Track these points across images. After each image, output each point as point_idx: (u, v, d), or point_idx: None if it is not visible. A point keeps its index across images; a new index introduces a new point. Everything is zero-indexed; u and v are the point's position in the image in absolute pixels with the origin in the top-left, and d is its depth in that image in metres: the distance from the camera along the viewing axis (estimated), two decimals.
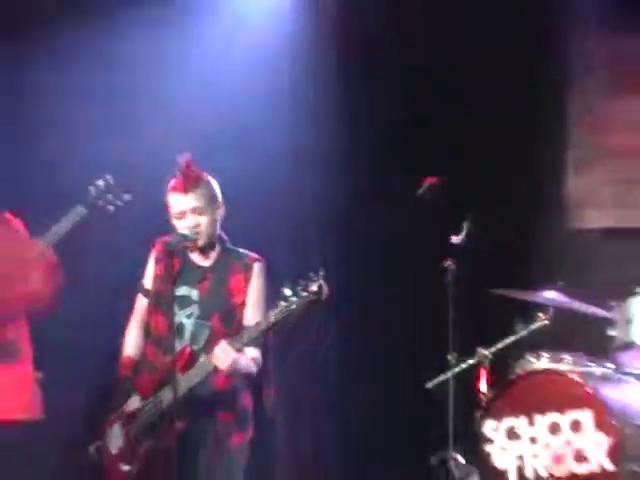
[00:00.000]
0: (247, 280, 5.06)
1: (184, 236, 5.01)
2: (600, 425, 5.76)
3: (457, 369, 6.23)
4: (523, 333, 6.25)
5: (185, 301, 5.06)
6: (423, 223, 6.00)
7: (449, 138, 6.75)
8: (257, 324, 4.87)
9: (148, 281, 5.15)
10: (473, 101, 6.87)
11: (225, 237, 5.15)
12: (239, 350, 4.83)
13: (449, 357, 6.21)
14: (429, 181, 5.79)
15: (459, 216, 6.19)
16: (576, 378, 5.93)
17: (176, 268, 5.03)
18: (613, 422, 5.75)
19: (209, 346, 4.98)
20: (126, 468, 5.00)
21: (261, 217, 5.94)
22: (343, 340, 6.57)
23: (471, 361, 6.24)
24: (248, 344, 4.86)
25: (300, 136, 6.61)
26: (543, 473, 5.87)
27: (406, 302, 6.43)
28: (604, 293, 6.28)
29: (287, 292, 4.73)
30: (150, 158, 5.67)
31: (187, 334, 5.05)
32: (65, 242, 4.92)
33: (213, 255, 5.12)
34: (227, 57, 6.60)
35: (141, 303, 5.18)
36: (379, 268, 6.65)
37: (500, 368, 6.25)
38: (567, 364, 6.07)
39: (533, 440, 5.93)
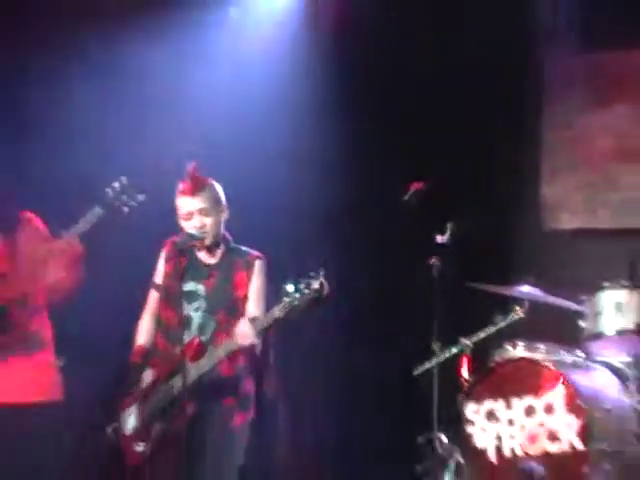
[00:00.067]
0: (249, 276, 5.08)
1: (192, 236, 5.04)
2: (571, 408, 5.73)
3: (441, 357, 6.20)
4: (501, 324, 6.22)
5: (193, 296, 5.08)
6: (411, 224, 5.99)
7: (435, 146, 6.71)
8: (265, 316, 4.88)
9: (159, 277, 5.16)
10: (458, 113, 6.81)
11: (229, 237, 5.18)
12: (258, 334, 4.86)
13: (434, 346, 6.17)
14: (415, 186, 5.78)
15: (443, 218, 6.14)
16: (549, 365, 5.89)
17: (184, 265, 5.04)
18: (583, 405, 5.71)
19: (215, 337, 5.01)
20: (140, 448, 5.02)
21: (263, 217, 5.91)
22: (339, 331, 6.55)
23: (454, 350, 6.22)
24: (260, 332, 4.87)
25: (300, 139, 6.58)
26: (519, 452, 5.84)
27: (395, 296, 6.41)
28: (575, 288, 6.25)
29: (290, 289, 4.74)
30: (161, 163, 5.66)
31: (195, 326, 5.07)
32: (84, 239, 4.91)
33: (218, 253, 5.15)
34: (232, 68, 6.58)
35: (153, 297, 5.19)
36: (371, 265, 6.64)
37: (480, 356, 6.23)
38: (541, 353, 6.02)
39: (510, 422, 5.89)
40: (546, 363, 5.93)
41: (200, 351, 4.97)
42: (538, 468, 5.75)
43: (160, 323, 5.17)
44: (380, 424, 5.87)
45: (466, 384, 6.18)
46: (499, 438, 5.92)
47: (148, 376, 5.11)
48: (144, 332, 5.21)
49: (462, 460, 6.06)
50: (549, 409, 5.81)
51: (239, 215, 5.21)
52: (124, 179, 4.95)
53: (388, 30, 6.79)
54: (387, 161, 6.65)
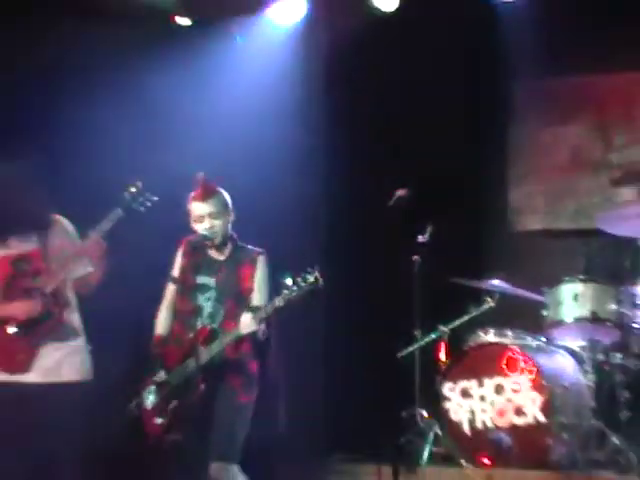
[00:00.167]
0: (253, 271, 5.06)
1: (204, 236, 5.05)
2: (535, 386, 5.78)
3: (422, 342, 6.28)
4: (474, 313, 6.28)
5: (204, 288, 5.08)
6: (395, 226, 5.97)
7: (418, 159, 6.69)
8: (267, 306, 4.88)
9: (176, 271, 5.13)
10: (437, 132, 6.81)
11: (235, 236, 5.17)
12: (259, 322, 4.86)
13: (416, 332, 6.27)
14: (399, 193, 5.79)
15: (424, 221, 6.23)
16: (516, 349, 5.92)
17: (197, 261, 5.06)
18: (545, 384, 5.76)
19: (224, 324, 5.00)
20: (159, 421, 5.01)
21: (265, 220, 5.86)
22: (332, 319, 6.53)
23: (433, 336, 6.28)
24: (261, 321, 4.88)
25: (299, 152, 6.53)
26: (490, 424, 5.88)
27: (382, 289, 6.33)
28: (538, 281, 6.27)
29: (289, 282, 4.75)
30: (175, 172, 5.65)
31: (206, 314, 5.06)
32: (107, 238, 4.86)
33: (226, 251, 5.15)
34: (237, 89, 6.51)
35: (170, 288, 5.18)
36: (361, 262, 6.59)
37: (456, 341, 6.27)
38: (509, 338, 6.06)
39: (482, 398, 5.91)
40: (513, 347, 5.94)
41: (210, 336, 4.96)
42: (506, 438, 5.77)
43: (176, 311, 5.15)
44: (368, 401, 5.81)
45: (443, 366, 6.21)
46: (472, 412, 5.94)
47: (166, 358, 5.09)
48: (162, 321, 5.19)
49: (440, 432, 6.07)
50: (516, 387, 5.82)
51: (244, 217, 5.21)
52: (139, 183, 4.90)
53: (376, 56, 6.75)
54: (375, 172, 6.59)
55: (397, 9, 6.47)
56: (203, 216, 5.08)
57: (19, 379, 4.86)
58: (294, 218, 6.42)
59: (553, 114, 7.26)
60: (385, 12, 6.50)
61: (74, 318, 5.02)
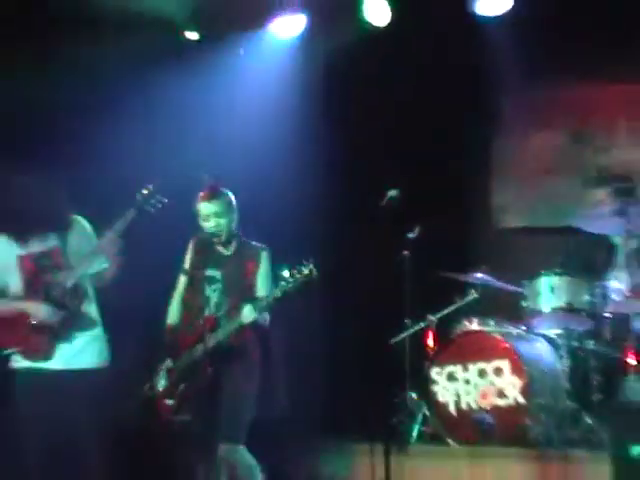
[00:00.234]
0: (257, 264, 5.12)
1: (211, 233, 5.10)
2: (515, 371, 5.75)
3: (412, 330, 6.28)
4: (460, 304, 6.29)
5: (212, 280, 5.11)
6: (386, 224, 5.95)
7: (409, 163, 6.68)
8: (266, 296, 4.92)
9: (187, 265, 5.17)
10: (428, 140, 6.80)
11: (240, 233, 5.21)
12: (260, 312, 4.91)
13: (406, 321, 6.27)
14: (391, 193, 5.78)
15: (414, 219, 6.22)
16: (498, 337, 5.92)
17: (206, 256, 5.09)
18: (524, 368, 5.75)
19: (228, 313, 5.03)
20: (169, 402, 5.06)
21: (267, 218, 5.84)
22: (329, 309, 6.53)
23: (422, 324, 6.28)
24: (262, 310, 4.93)
25: (298, 156, 6.50)
26: (474, 405, 5.88)
27: (375, 281, 6.29)
28: (518, 274, 6.25)
29: (286, 275, 4.80)
30: (185, 175, 5.64)
31: (213, 304, 5.09)
32: (124, 235, 4.88)
33: (232, 247, 5.19)
34: (242, 96, 6.52)
35: (182, 280, 5.22)
36: (355, 257, 6.48)
37: (443, 329, 6.27)
38: (492, 326, 6.07)
39: (467, 382, 5.92)
40: (495, 335, 5.96)
41: (216, 325, 4.99)
42: (489, 418, 5.77)
43: (186, 301, 5.18)
44: (362, 384, 5.81)
45: (431, 352, 6.22)
46: (457, 395, 5.95)
47: (176, 345, 5.13)
48: (174, 310, 5.24)
49: (428, 412, 6.08)
50: (498, 371, 5.83)
51: (247, 215, 5.24)
52: (151, 186, 4.91)
53: (370, 67, 6.73)
54: (369, 174, 6.56)
55: (389, 24, 6.47)
56: (210, 215, 5.12)
57: (42, 366, 4.88)
58: (293, 216, 6.40)
59: (534, 123, 7.27)
60: (377, 27, 6.51)
61: (92, 309, 5.04)
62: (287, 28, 6.67)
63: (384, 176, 6.18)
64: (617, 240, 6.09)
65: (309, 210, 6.57)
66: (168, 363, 5.11)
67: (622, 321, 5.83)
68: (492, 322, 6.10)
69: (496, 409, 5.79)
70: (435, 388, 6.02)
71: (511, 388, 5.77)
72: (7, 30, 5.74)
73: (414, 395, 6.14)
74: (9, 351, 4.91)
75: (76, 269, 4.93)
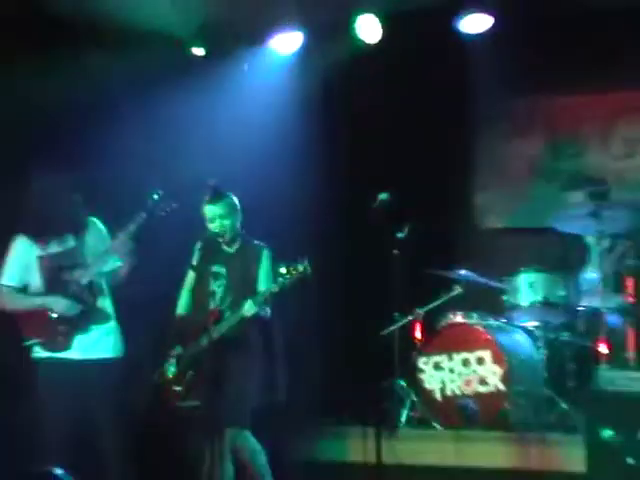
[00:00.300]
0: (258, 261, 5.12)
1: (217, 234, 5.11)
2: (496, 360, 5.76)
3: (401, 323, 6.25)
4: (445, 298, 6.27)
5: (217, 276, 5.12)
6: (378, 224, 5.91)
7: (399, 168, 6.64)
8: (265, 291, 4.94)
9: (194, 262, 5.15)
10: (416, 148, 6.79)
11: (244, 233, 5.22)
12: (259, 306, 4.92)
13: (395, 315, 6.24)
14: (382, 196, 5.77)
15: (403, 220, 6.17)
16: (480, 328, 5.92)
17: (212, 253, 5.11)
18: (504, 358, 5.74)
19: (232, 306, 5.02)
20: (177, 388, 5.06)
21: (267, 219, 5.78)
22: (324, 303, 6.47)
23: (410, 317, 6.26)
24: (262, 303, 4.94)
25: (298, 163, 6.47)
26: (458, 392, 5.88)
27: (367, 278, 6.32)
28: (499, 271, 6.28)
29: (283, 271, 4.82)
30: (192, 181, 5.64)
31: (218, 298, 5.10)
32: (135, 237, 4.93)
33: (235, 245, 5.19)
34: (245, 107, 6.47)
35: (190, 276, 5.21)
36: (348, 255, 6.55)
37: (430, 322, 6.27)
38: (475, 319, 6.06)
39: (451, 370, 5.91)
40: (478, 327, 5.97)
41: (221, 317, 4.99)
42: (472, 404, 5.77)
43: (194, 295, 5.19)
44: (355, 373, 5.78)
45: (419, 343, 6.20)
46: (443, 382, 5.95)
47: (184, 334, 5.13)
48: (183, 303, 5.23)
49: (416, 399, 6.07)
50: (480, 361, 5.84)
51: (249, 216, 5.25)
52: (161, 192, 4.94)
53: (362, 80, 6.72)
54: (362, 178, 6.54)
55: (379, 41, 6.50)
56: (214, 217, 5.12)
57: (61, 355, 4.93)
58: (291, 217, 6.38)
59: (512, 130, 7.27)
60: (369, 43, 6.53)
61: (107, 304, 5.09)
62: (286, 45, 6.66)
63: (375, 181, 6.19)
64: (590, 240, 6.12)
65: (306, 212, 6.55)
66: (177, 349, 5.11)
67: (594, 314, 5.87)
68: (475, 315, 6.10)
69: (479, 395, 5.79)
70: (422, 376, 6.03)
71: (492, 376, 5.78)
72: (23, 46, 5.74)
73: (403, 383, 6.15)
74: (31, 342, 4.96)
75: (92, 267, 4.98)
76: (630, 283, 5.72)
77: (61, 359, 4.93)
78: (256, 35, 6.61)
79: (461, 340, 5.95)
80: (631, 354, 5.64)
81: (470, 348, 5.88)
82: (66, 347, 4.93)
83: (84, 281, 4.94)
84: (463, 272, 6.28)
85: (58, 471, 4.28)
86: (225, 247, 5.19)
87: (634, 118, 6.91)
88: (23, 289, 5.02)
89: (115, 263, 5.01)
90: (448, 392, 5.92)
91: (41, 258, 4.99)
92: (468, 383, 5.86)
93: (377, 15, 6.36)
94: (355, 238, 6.42)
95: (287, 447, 5.76)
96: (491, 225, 7.35)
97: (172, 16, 6.32)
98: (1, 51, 5.60)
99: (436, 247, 6.59)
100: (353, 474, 5.60)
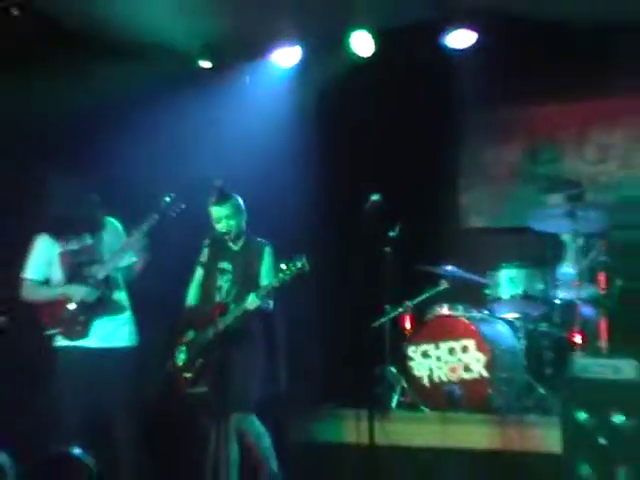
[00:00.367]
0: (261, 258, 5.14)
1: (223, 233, 5.12)
2: (479, 349, 5.76)
3: (391, 315, 6.27)
4: (433, 292, 6.28)
5: (223, 271, 5.13)
6: (370, 224, 5.85)
7: (390, 171, 6.58)
8: (267, 285, 4.96)
9: (203, 258, 5.17)
10: (405, 153, 6.78)
11: (248, 231, 5.24)
12: (262, 299, 4.94)
13: (386, 307, 6.26)
14: (374, 198, 5.78)
15: (394, 219, 6.17)
16: (465, 320, 5.92)
17: (219, 251, 5.12)
18: (487, 347, 5.74)
19: (236, 300, 5.03)
20: (187, 375, 5.08)
21: (269, 219, 5.72)
22: (321, 297, 6.47)
23: (400, 309, 6.27)
24: (264, 297, 4.96)
25: (296, 167, 6.45)
26: (444, 379, 5.87)
27: (360, 273, 6.12)
28: (482, 267, 6.28)
29: (283, 267, 4.83)
30: (200, 184, 5.64)
31: (224, 292, 5.11)
32: (148, 235, 4.96)
33: (240, 243, 5.21)
34: (248, 117, 6.43)
35: (198, 272, 5.20)
36: (344, 253, 6.31)
37: (418, 314, 6.27)
38: (460, 311, 6.05)
39: (438, 358, 5.91)
40: (463, 318, 5.96)
41: (226, 310, 5.00)
42: (457, 389, 5.77)
43: (201, 289, 5.18)
44: (349, 361, 5.75)
45: (408, 333, 6.19)
46: (430, 369, 5.95)
47: (193, 323, 5.13)
48: (192, 296, 5.23)
49: (405, 385, 6.05)
50: (465, 349, 5.84)
51: (252, 216, 5.27)
52: (172, 195, 4.97)
53: (356, 91, 6.69)
54: (355, 181, 6.43)
55: (372, 55, 6.52)
56: (221, 217, 5.12)
57: (79, 344, 4.98)
58: (291, 217, 6.37)
59: (494, 137, 7.28)
60: (362, 57, 6.57)
61: (122, 297, 5.14)
62: (286, 58, 6.65)
63: (368, 183, 6.14)
64: (566, 238, 6.14)
65: (305, 212, 6.53)
66: (190, 335, 5.10)
67: (570, 306, 5.89)
68: (460, 307, 6.10)
69: (463, 381, 5.80)
70: (411, 364, 6.03)
71: (476, 363, 5.79)
72: (45, 59, 5.77)
73: (394, 370, 6.15)
74: (52, 332, 5.01)
75: (108, 263, 5.03)
76: (602, 278, 5.74)
77: (80, 347, 4.98)
78: (257, 49, 6.62)
79: (447, 330, 5.95)
80: (603, 343, 5.66)
81: (455, 337, 5.89)
82: (83, 335, 4.97)
83: (101, 275, 4.98)
84: (449, 268, 6.29)
85: (76, 450, 4.35)
86: (230, 244, 5.19)
87: (606, 126, 6.95)
88: (46, 282, 5.08)
89: (130, 259, 5.04)
90: (435, 378, 5.93)
91: (62, 254, 5.04)
92: (454, 370, 5.87)
93: (369, 31, 6.39)
94: (349, 237, 6.32)
95: (288, 430, 5.77)
96: (475, 225, 7.35)
97: (180, 31, 6.32)
98: (26, 64, 5.63)
99: (424, 245, 6.58)
100: (348, 453, 5.60)
